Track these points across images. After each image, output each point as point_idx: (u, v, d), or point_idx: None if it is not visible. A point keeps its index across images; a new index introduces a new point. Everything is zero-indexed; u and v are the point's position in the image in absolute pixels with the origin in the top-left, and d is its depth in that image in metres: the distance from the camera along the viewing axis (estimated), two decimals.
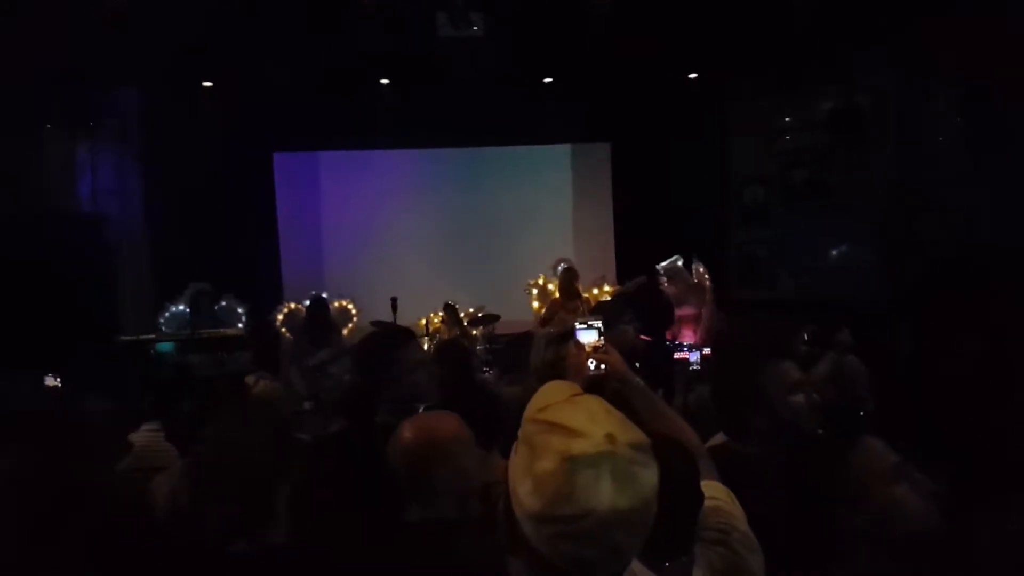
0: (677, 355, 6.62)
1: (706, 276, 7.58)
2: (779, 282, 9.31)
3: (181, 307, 7.56)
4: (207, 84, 8.26)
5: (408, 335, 2.62)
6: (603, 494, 0.91)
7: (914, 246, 7.78)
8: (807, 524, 2.09)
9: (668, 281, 7.58)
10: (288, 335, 7.39)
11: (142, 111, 8.37)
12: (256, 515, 1.72)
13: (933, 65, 7.54)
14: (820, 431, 2.58)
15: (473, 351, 6.96)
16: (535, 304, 8.08)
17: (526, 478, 0.96)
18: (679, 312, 7.55)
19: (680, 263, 7.66)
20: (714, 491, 1.74)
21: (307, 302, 7.28)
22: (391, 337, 2.65)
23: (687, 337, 7.27)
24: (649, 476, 0.96)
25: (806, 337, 5.09)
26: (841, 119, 8.37)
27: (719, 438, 2.47)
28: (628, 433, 0.98)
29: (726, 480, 1.84)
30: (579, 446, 0.94)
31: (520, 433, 1.04)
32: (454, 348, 3.95)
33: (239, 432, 1.86)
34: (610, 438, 0.95)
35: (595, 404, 1.05)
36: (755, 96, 9.46)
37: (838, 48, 8.14)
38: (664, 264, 7.63)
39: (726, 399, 2.56)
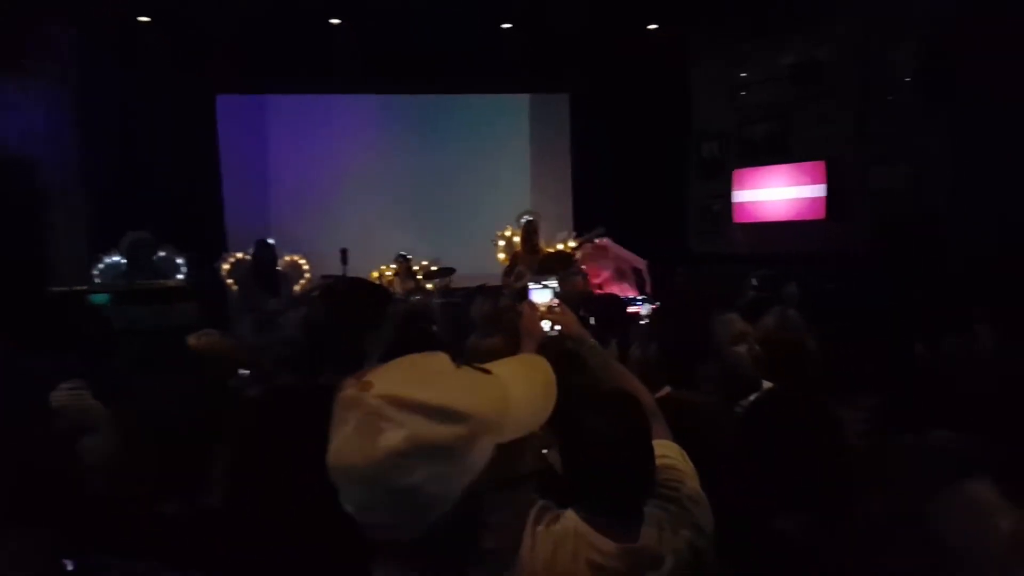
0: (630, 309, 6.64)
1: (603, 242, 7.66)
2: (733, 235, 9.39)
3: (117, 258, 7.25)
4: (144, 20, 7.81)
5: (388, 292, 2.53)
6: (340, 443, 0.85)
7: (867, 198, 7.90)
8: (760, 476, 2.10)
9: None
10: (235, 286, 7.19)
11: (76, 49, 7.91)
12: (190, 476, 1.64)
13: (892, 16, 7.54)
14: (768, 383, 2.59)
15: (431, 307, 6.91)
16: (501, 256, 8.04)
17: None
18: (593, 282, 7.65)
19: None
20: (666, 449, 1.75)
21: (251, 249, 7.06)
22: (382, 292, 2.56)
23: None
24: (391, 437, 0.82)
25: (755, 282, 5.09)
26: (802, 72, 8.36)
27: (666, 390, 2.49)
28: (400, 387, 0.85)
29: (673, 429, 1.87)
30: (343, 391, 0.88)
31: None
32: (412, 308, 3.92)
33: (174, 389, 1.79)
34: (364, 385, 0.85)
35: (415, 359, 0.93)
36: (716, 49, 9.39)
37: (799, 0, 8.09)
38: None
39: (671, 349, 2.60)
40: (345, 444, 0.84)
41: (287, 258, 7.64)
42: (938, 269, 6.27)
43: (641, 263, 7.54)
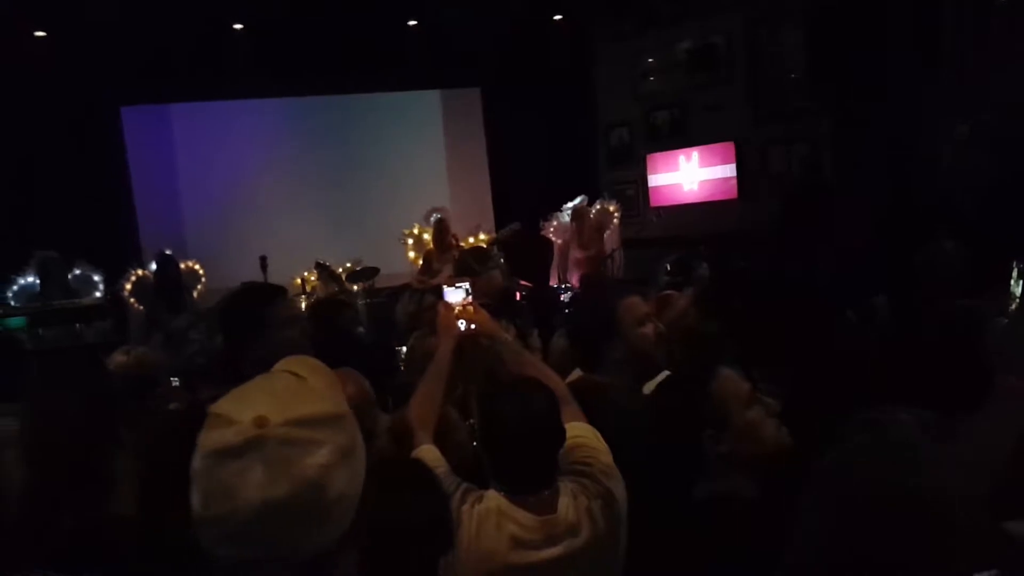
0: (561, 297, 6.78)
1: (615, 215, 7.71)
2: (649, 219, 9.64)
3: (31, 278, 7.02)
4: (40, 35, 7.55)
5: (277, 291, 2.51)
6: (251, 486, 0.82)
7: (768, 179, 8.24)
8: (671, 450, 2.23)
9: (573, 219, 7.66)
10: (139, 306, 6.97)
11: None
12: (87, 487, 1.65)
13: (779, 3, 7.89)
14: (680, 364, 2.70)
15: (352, 305, 6.89)
16: (411, 254, 8.04)
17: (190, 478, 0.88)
18: (574, 255, 7.64)
19: (584, 202, 7.79)
20: (579, 430, 1.91)
21: (153, 265, 6.90)
22: (259, 293, 2.53)
23: (576, 279, 7.38)
24: (313, 455, 0.85)
25: (668, 267, 5.28)
26: (698, 59, 8.63)
27: (576, 373, 2.58)
28: (292, 409, 0.87)
29: (586, 411, 2.01)
30: (223, 437, 0.84)
31: None
32: (326, 305, 3.91)
33: (59, 400, 1.77)
34: (259, 421, 0.84)
35: (261, 383, 0.95)
36: (619, 37, 9.59)
37: None
38: (571, 205, 7.74)
39: (579, 333, 2.72)
40: (258, 487, 0.82)
41: (182, 265, 7.46)
42: (834, 247, 6.58)
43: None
